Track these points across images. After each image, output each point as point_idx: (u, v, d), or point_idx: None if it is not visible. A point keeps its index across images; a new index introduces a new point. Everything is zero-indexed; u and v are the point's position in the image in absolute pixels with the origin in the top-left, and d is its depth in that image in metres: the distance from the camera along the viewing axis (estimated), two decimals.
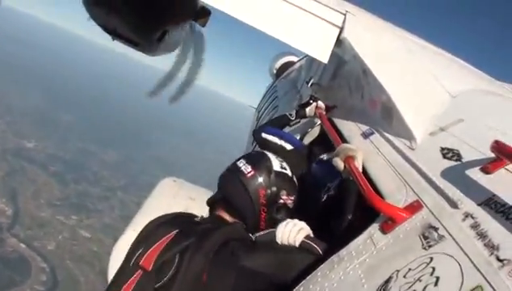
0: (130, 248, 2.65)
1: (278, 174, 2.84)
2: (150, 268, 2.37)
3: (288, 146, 4.09)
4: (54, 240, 62.64)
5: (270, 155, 3.00)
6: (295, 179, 2.98)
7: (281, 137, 4.16)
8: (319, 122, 4.49)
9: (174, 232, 2.54)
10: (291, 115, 4.54)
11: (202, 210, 3.08)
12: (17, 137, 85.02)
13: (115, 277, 2.53)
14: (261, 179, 2.77)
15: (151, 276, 2.36)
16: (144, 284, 2.36)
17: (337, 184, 3.07)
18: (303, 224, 2.57)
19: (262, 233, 2.67)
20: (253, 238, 2.66)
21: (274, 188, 2.78)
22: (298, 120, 4.62)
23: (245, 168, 2.82)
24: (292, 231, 2.50)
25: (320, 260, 2.24)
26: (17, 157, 77.80)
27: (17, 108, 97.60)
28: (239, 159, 2.95)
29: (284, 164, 2.97)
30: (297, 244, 2.46)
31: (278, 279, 2.35)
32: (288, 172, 2.93)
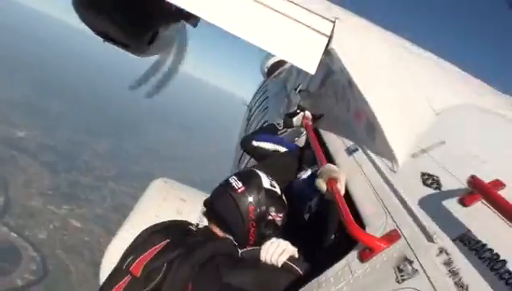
0: (123, 254, 2.76)
1: (267, 191, 2.94)
2: (139, 275, 2.47)
3: (282, 149, 4.12)
4: (45, 229, 62.41)
5: (261, 173, 3.09)
6: (284, 197, 3.07)
7: (272, 142, 4.18)
8: (304, 133, 4.50)
9: (166, 242, 2.63)
10: (278, 124, 4.56)
11: (192, 210, 3.14)
12: (8, 125, 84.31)
13: (106, 281, 2.64)
14: (251, 196, 2.87)
15: (139, 283, 2.46)
16: (132, 289, 2.47)
17: (317, 201, 3.12)
18: (287, 245, 2.63)
19: (247, 250, 2.75)
20: (240, 253, 2.72)
21: (263, 205, 2.88)
22: (285, 130, 4.63)
23: (236, 184, 2.91)
24: (275, 252, 2.56)
25: (301, 281, 2.27)
26: (7, 146, 77.18)
27: (7, 97, 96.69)
28: (231, 176, 3.04)
29: (274, 182, 3.07)
30: (279, 265, 2.53)
31: None
32: (277, 190, 3.04)
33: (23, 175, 71.86)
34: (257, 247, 2.71)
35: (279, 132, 4.59)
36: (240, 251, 2.73)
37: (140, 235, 2.84)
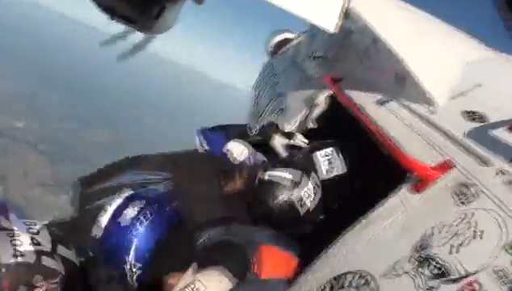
0: None
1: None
2: None
3: (205, 147, 4.33)
4: (44, 220, 62.10)
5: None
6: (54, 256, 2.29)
7: (207, 140, 4.39)
8: (325, 95, 4.45)
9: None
10: (250, 129, 4.51)
11: None
12: (6, 116, 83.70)
13: None
14: None
15: None
16: None
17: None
18: None
19: None
20: None
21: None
22: (258, 137, 4.47)
23: None
24: None
25: None
26: (6, 136, 76.73)
27: (6, 88, 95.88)
28: None
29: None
30: None
31: None
32: (29, 260, 2.12)
33: (21, 166, 71.55)
34: None
35: (249, 139, 4.38)
36: None
37: None
